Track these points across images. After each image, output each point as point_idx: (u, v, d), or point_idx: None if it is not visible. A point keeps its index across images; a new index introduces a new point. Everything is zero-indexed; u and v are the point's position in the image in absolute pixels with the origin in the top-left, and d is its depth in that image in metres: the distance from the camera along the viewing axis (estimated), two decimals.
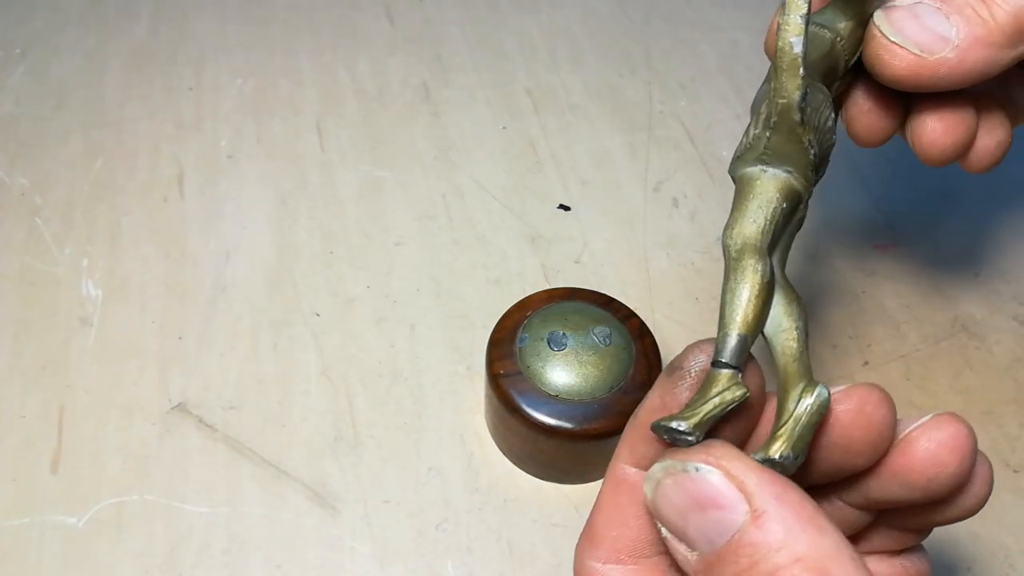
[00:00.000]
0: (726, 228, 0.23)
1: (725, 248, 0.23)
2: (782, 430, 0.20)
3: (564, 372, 0.31)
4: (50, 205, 0.41)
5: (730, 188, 0.45)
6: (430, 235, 0.41)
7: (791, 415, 0.20)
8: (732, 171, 0.25)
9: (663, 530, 0.18)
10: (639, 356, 0.31)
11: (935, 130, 0.26)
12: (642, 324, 0.33)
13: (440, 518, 0.32)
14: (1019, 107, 0.28)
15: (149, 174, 0.43)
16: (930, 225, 0.42)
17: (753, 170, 0.25)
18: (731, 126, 0.46)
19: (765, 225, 0.23)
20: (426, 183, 0.43)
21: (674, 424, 0.19)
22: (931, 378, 0.36)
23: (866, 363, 0.37)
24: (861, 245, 0.41)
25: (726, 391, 0.20)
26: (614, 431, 0.30)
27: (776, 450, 0.19)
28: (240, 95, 0.46)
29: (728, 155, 0.44)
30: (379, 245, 0.40)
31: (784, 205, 0.24)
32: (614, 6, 0.52)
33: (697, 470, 0.18)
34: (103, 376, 0.35)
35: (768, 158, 0.25)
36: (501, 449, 0.34)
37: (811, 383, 0.20)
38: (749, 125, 0.25)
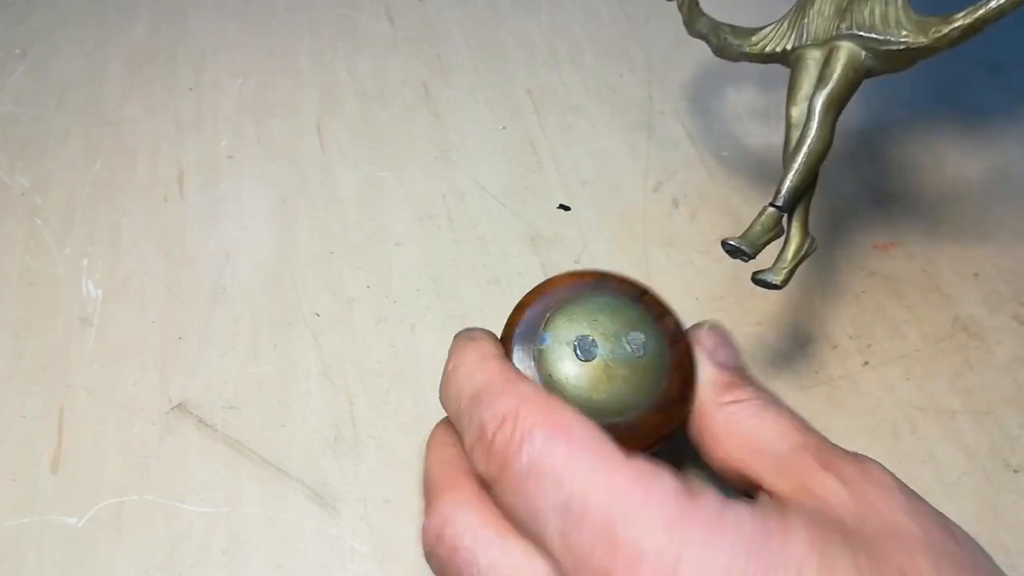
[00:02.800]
0: (819, 87, 0.29)
1: (811, 105, 0.28)
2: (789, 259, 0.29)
3: (592, 386, 0.26)
4: (50, 205, 0.41)
5: (730, 188, 0.45)
6: (430, 235, 0.41)
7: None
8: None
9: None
10: (672, 368, 0.27)
11: None
12: (677, 325, 0.28)
13: None
14: None
15: (149, 174, 0.43)
16: (930, 225, 0.42)
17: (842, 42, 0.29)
18: (731, 126, 0.46)
19: (847, 89, 0.29)
20: (426, 183, 0.43)
21: (733, 242, 0.28)
22: (931, 378, 0.36)
23: (866, 363, 0.37)
24: (861, 245, 0.41)
25: (772, 226, 0.28)
26: (646, 450, 0.26)
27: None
28: (240, 95, 0.46)
29: (728, 155, 0.44)
30: (379, 245, 0.40)
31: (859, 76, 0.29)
32: (614, 6, 0.52)
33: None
34: (103, 376, 0.35)
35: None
36: None
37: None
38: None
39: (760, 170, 0.43)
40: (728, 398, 0.26)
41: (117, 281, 0.38)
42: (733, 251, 0.28)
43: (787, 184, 0.28)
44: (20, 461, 0.33)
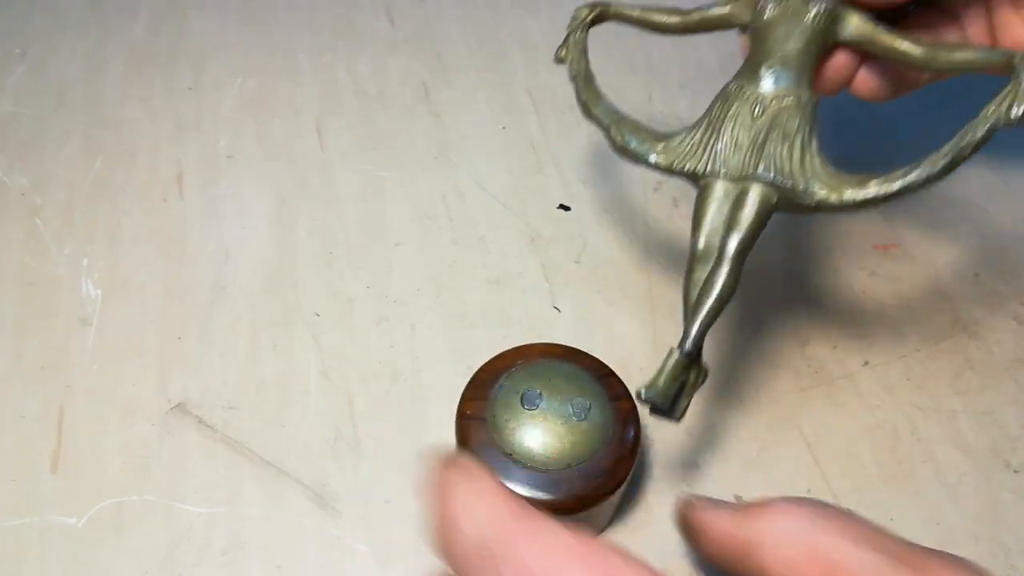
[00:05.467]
0: (734, 230, 0.27)
1: (723, 247, 0.27)
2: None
3: (526, 433, 0.29)
4: (50, 205, 0.41)
5: None
6: (430, 235, 0.41)
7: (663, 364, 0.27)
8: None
9: None
10: (613, 440, 0.29)
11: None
12: (632, 409, 0.30)
13: None
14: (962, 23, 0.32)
15: (149, 174, 0.43)
16: (930, 225, 0.42)
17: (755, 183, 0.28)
18: None
19: (759, 231, 0.28)
20: (426, 183, 0.43)
21: (646, 395, 0.26)
22: (931, 378, 0.36)
23: (866, 363, 0.37)
24: (862, 245, 0.41)
25: (682, 374, 0.26)
26: (556, 509, 0.28)
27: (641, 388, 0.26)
28: (240, 95, 0.46)
29: None
30: (379, 245, 0.40)
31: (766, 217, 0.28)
32: None
33: None
34: (103, 376, 0.35)
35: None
36: None
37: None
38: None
39: None
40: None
41: (117, 281, 0.38)
42: (652, 408, 0.26)
43: (696, 329, 0.26)
44: (20, 461, 0.33)
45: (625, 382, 0.31)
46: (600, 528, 0.32)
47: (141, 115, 0.45)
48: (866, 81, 0.31)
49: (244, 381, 0.35)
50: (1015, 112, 0.25)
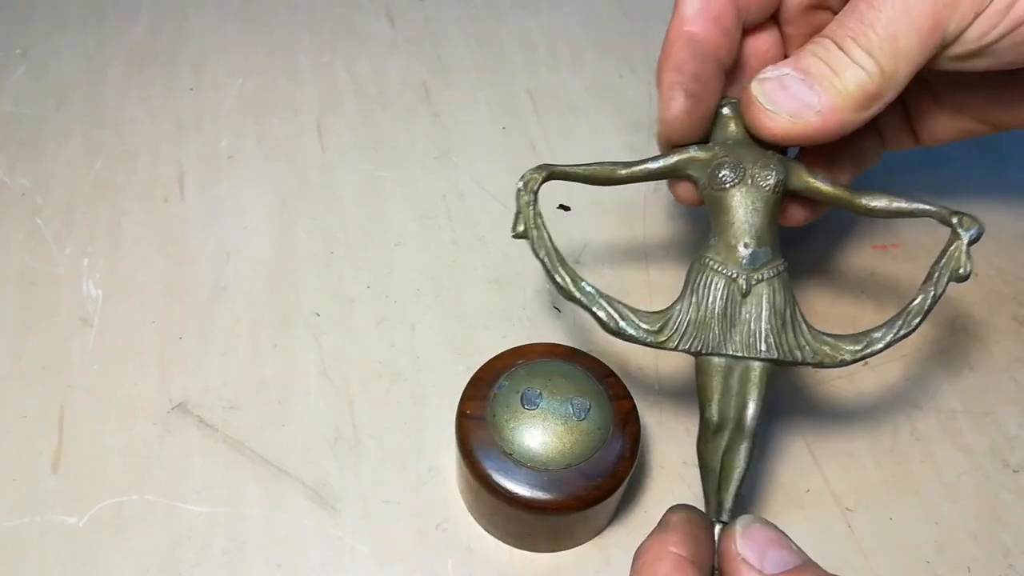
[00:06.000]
0: (748, 406, 0.28)
1: (740, 420, 0.28)
2: None
3: (525, 433, 0.29)
4: (50, 205, 0.41)
5: None
6: (430, 235, 0.41)
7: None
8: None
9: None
10: (612, 440, 0.29)
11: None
12: (632, 409, 0.30)
13: (440, 518, 0.32)
14: (867, 155, 0.35)
15: (149, 174, 0.43)
16: (929, 225, 0.41)
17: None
18: None
19: (769, 395, 0.29)
20: (426, 183, 0.43)
21: None
22: (931, 378, 0.36)
23: (866, 363, 0.37)
24: (860, 245, 0.41)
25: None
26: (556, 509, 0.28)
27: None
28: (240, 95, 0.46)
29: None
30: (379, 245, 0.40)
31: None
32: (614, 6, 0.52)
33: None
34: (103, 376, 0.35)
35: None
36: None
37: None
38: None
39: None
40: None
41: (117, 281, 0.38)
42: None
43: (732, 500, 0.28)
44: (20, 461, 0.33)
45: (625, 382, 0.31)
46: (600, 528, 0.32)
47: (141, 115, 0.45)
48: (797, 213, 0.33)
49: (244, 381, 0.35)
50: (963, 272, 0.29)
